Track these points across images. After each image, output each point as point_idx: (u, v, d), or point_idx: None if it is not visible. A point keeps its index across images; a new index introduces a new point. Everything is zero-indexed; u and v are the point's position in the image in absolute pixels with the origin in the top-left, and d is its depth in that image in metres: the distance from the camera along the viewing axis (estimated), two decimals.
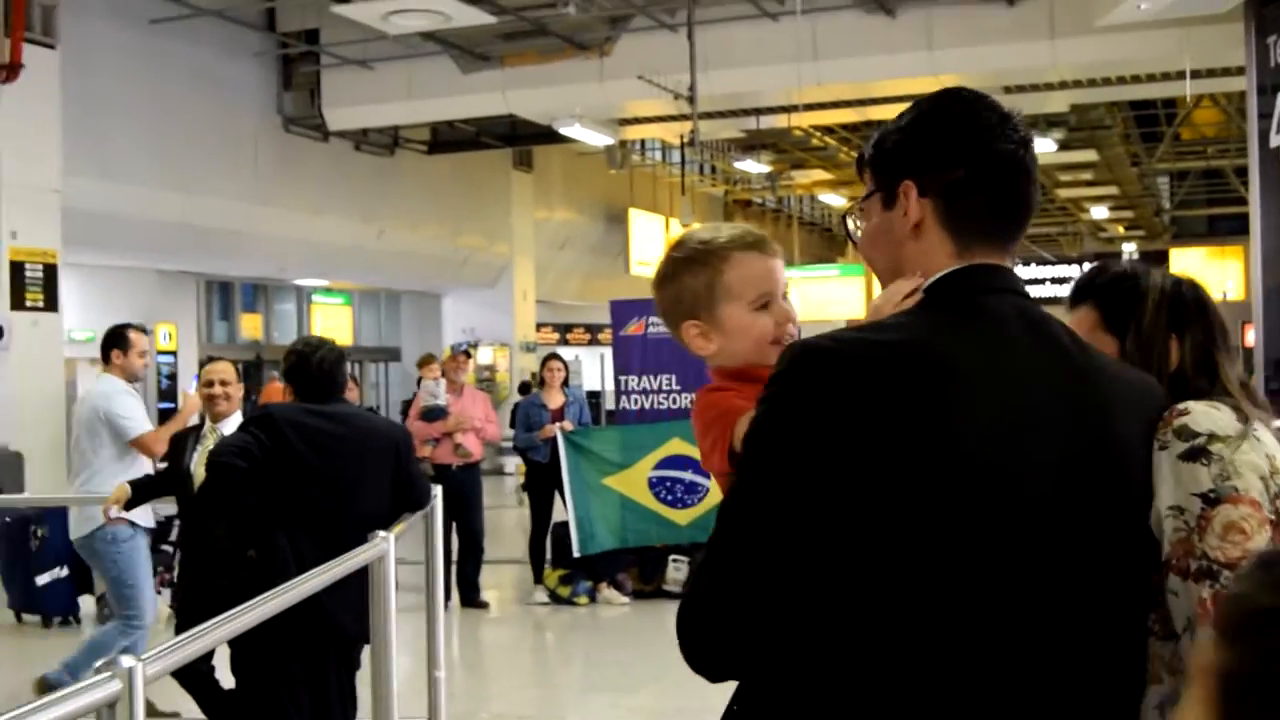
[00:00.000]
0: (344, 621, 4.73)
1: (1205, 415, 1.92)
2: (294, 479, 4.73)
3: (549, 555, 10.45)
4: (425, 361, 10.91)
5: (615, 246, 23.87)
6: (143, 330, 7.14)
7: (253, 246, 17.06)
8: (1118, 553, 1.73)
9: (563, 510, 10.16)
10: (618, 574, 10.32)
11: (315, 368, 4.96)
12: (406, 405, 13.82)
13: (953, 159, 1.74)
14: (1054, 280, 26.12)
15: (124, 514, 6.48)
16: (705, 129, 16.43)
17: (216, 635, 3.26)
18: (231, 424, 5.68)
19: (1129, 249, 34.88)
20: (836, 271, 23.13)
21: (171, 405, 15.87)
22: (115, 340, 7.01)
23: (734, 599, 1.61)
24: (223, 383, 5.94)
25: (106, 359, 7.07)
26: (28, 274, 11.66)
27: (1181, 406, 1.93)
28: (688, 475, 9.80)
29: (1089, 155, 22.44)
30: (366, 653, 4.77)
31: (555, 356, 10.97)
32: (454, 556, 10.06)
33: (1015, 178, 1.76)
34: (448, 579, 9.70)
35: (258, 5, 15.51)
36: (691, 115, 14.18)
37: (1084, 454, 1.69)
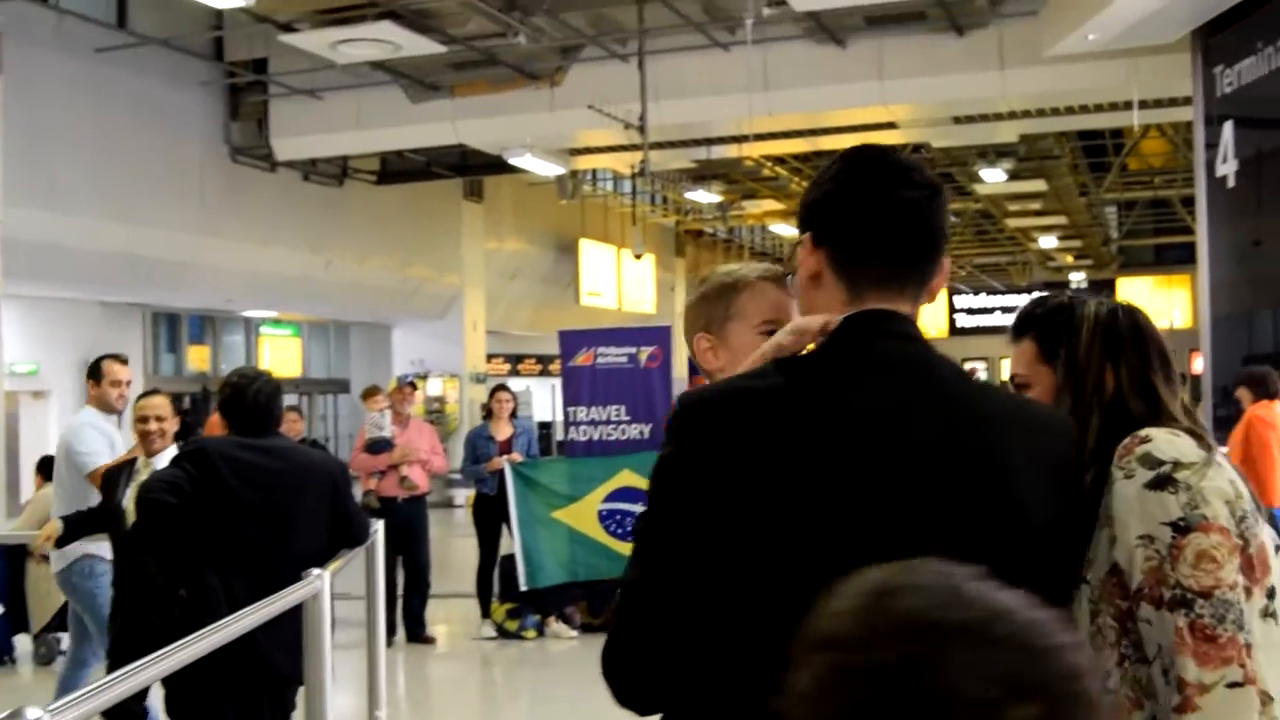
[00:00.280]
0: (278, 660, 4.59)
1: (1168, 443, 1.94)
2: (226, 514, 4.58)
3: (496, 589, 10.31)
4: (370, 393, 10.74)
5: (566, 277, 23.78)
6: (122, 360, 6.98)
7: (199, 278, 16.83)
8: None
9: (511, 543, 10.03)
10: (566, 607, 10.21)
11: (251, 400, 4.82)
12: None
13: (842, 210, 1.82)
14: (1003, 310, 26.17)
15: (48, 550, 6.42)
16: (656, 159, 16.38)
17: (144, 676, 3.19)
18: (166, 459, 5.55)
19: (1077, 278, 35.20)
20: None
21: None
22: (90, 370, 6.90)
23: (647, 632, 1.69)
24: (158, 418, 5.85)
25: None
26: None
27: (1143, 434, 1.96)
28: (638, 508, 9.61)
29: (1038, 185, 22.58)
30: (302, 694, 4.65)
31: (503, 388, 10.85)
32: (400, 591, 9.92)
33: (908, 225, 1.81)
34: (393, 614, 9.57)
35: (205, 34, 15.37)
36: (642, 145, 14.13)
37: (959, 480, 1.70)
